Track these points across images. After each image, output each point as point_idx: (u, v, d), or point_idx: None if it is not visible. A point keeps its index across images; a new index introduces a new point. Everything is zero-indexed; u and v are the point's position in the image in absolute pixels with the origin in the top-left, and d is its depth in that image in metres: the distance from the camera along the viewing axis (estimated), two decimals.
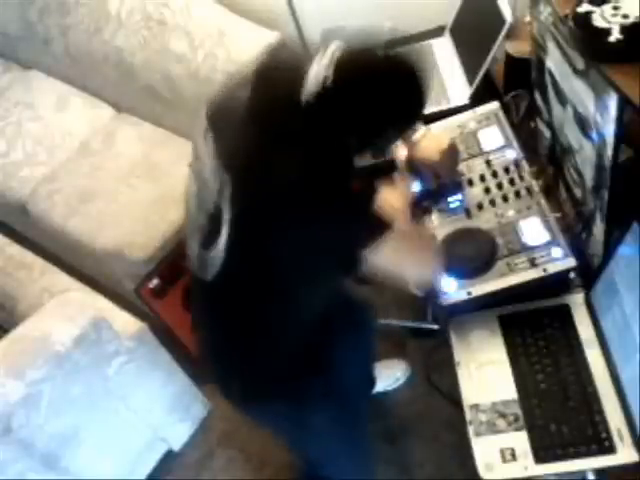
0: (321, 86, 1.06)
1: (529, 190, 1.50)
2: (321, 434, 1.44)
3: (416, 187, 1.59)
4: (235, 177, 1.09)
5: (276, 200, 1.08)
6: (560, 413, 1.27)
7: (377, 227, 1.17)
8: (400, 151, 1.55)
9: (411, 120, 1.27)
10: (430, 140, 1.50)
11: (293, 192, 1.08)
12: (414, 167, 1.53)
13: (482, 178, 1.55)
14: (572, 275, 1.41)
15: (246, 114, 1.13)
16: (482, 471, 1.25)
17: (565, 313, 1.40)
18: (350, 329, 1.49)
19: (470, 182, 1.56)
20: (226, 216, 1.11)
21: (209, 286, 1.22)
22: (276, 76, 1.15)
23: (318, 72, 1.06)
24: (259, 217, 1.10)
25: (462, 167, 1.58)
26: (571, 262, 1.37)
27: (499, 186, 1.52)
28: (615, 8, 1.10)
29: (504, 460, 1.25)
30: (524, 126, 1.71)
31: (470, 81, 1.87)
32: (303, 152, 1.08)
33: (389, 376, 2.11)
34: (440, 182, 1.53)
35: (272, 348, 1.30)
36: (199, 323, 1.42)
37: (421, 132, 1.48)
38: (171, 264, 2.04)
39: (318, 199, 1.09)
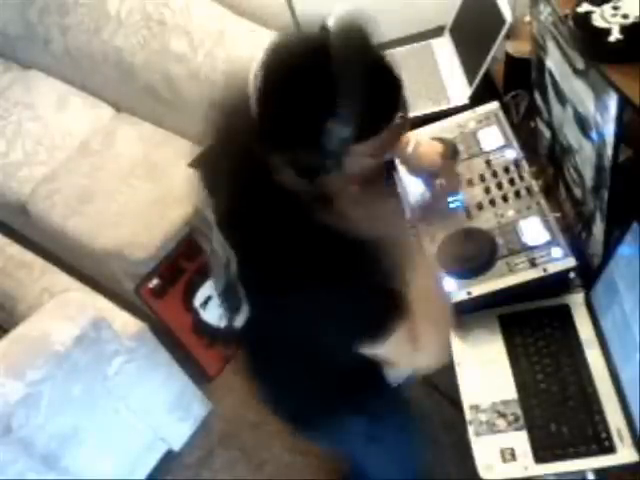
0: (256, 89, 0.94)
1: (529, 190, 1.50)
2: (388, 445, 1.42)
3: (418, 188, 1.59)
4: (236, 251, 1.04)
5: (275, 280, 1.02)
6: (560, 413, 1.27)
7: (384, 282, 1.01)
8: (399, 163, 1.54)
9: (361, 112, 0.95)
10: (425, 147, 1.50)
11: (289, 269, 0.99)
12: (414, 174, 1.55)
13: (482, 178, 1.55)
14: (572, 275, 1.41)
15: (221, 158, 1.07)
16: (482, 471, 1.25)
17: (565, 313, 1.40)
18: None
19: (470, 182, 1.56)
20: (239, 288, 1.07)
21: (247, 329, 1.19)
22: (234, 109, 1.04)
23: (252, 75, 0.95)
24: (262, 290, 1.05)
25: (462, 167, 1.58)
26: (571, 262, 1.37)
27: (499, 186, 1.52)
28: (615, 8, 1.10)
29: (504, 460, 1.25)
30: (524, 126, 1.71)
31: (470, 81, 1.87)
32: (280, 214, 0.99)
33: None
34: (442, 186, 1.54)
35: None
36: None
37: (412, 143, 1.47)
38: (171, 264, 2.04)
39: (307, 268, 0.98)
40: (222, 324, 2.23)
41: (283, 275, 1.00)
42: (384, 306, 1.03)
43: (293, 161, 0.97)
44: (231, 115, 1.07)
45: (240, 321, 1.14)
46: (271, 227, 1.01)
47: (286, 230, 1.00)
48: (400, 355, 1.15)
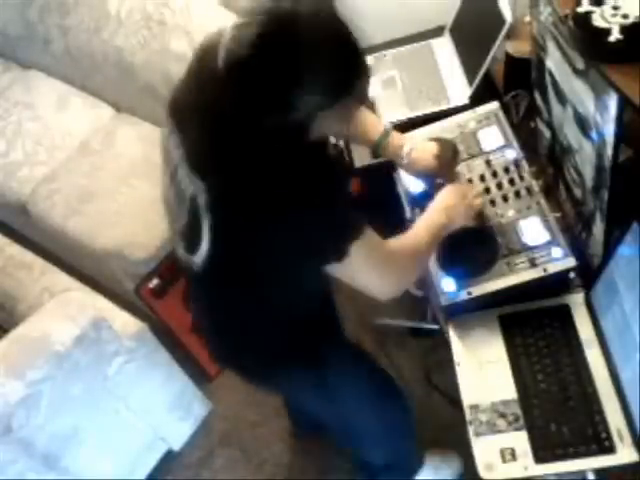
0: (227, 53, 1.00)
1: (529, 190, 1.50)
2: (344, 397, 1.44)
3: (417, 188, 1.59)
4: (206, 184, 1.07)
5: (247, 204, 1.06)
6: (560, 413, 1.27)
7: (351, 220, 1.13)
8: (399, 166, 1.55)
9: (345, 76, 1.05)
10: (420, 150, 1.51)
11: (261, 194, 1.05)
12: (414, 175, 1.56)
13: (482, 178, 1.55)
14: (572, 275, 1.41)
15: (192, 103, 1.11)
16: (482, 471, 1.25)
17: (565, 313, 1.40)
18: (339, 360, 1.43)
19: (470, 182, 1.56)
20: (205, 223, 1.09)
21: (201, 277, 1.21)
22: (207, 58, 1.09)
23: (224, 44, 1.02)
24: (235, 222, 1.09)
25: (462, 167, 1.58)
26: (571, 262, 1.37)
27: (499, 186, 1.52)
28: (615, 8, 1.10)
29: (504, 460, 1.25)
30: (524, 126, 1.71)
31: (470, 81, 1.87)
32: (256, 145, 1.04)
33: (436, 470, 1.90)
34: (441, 184, 1.54)
35: (269, 326, 1.31)
36: (198, 310, 1.44)
37: (407, 147, 1.49)
38: (171, 264, 2.04)
39: (283, 197, 1.05)
40: None
41: (262, 194, 1.05)
42: (349, 219, 1.12)
43: (262, 126, 1.02)
44: (203, 61, 1.11)
45: (198, 260, 1.15)
46: (250, 150, 1.04)
47: (265, 151, 1.04)
48: (361, 276, 1.19)
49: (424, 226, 1.32)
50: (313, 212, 1.08)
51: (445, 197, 1.40)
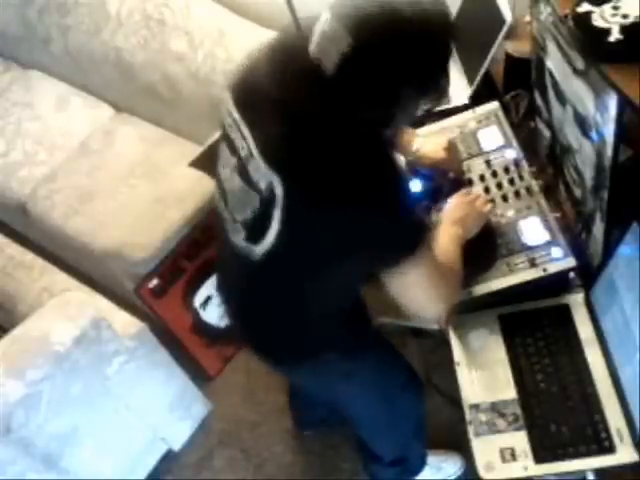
0: (340, 54, 0.99)
1: (529, 190, 1.50)
2: (365, 387, 1.45)
3: (416, 187, 1.59)
4: (283, 176, 1.07)
5: (325, 198, 1.06)
6: (560, 413, 1.27)
7: (418, 227, 1.14)
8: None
9: (441, 74, 1.10)
10: (430, 143, 1.55)
11: (340, 188, 1.06)
12: (416, 170, 1.57)
13: (482, 178, 1.55)
14: (572, 275, 1.41)
15: (271, 96, 1.09)
16: (482, 471, 1.25)
17: (565, 313, 1.40)
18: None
19: (470, 182, 1.56)
20: (277, 214, 1.09)
21: (253, 264, 1.20)
22: (293, 53, 1.10)
23: (322, 40, 1.02)
24: (309, 215, 1.09)
25: (462, 167, 1.59)
26: (571, 262, 1.37)
27: (499, 186, 1.52)
28: (615, 8, 1.10)
29: (504, 460, 1.25)
30: (524, 126, 1.71)
31: (470, 81, 1.87)
32: (341, 140, 1.05)
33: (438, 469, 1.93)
34: (450, 177, 1.55)
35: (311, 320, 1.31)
36: (234, 295, 1.42)
37: (417, 140, 1.53)
38: (171, 264, 2.04)
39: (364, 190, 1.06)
40: (222, 324, 2.25)
41: (341, 189, 1.05)
42: (417, 228, 1.14)
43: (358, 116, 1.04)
44: (288, 57, 1.12)
45: (260, 249, 1.15)
46: (336, 145, 1.05)
47: (350, 146, 1.06)
48: (415, 290, 1.19)
49: (447, 242, 1.31)
50: (389, 210, 1.09)
51: (454, 210, 1.40)
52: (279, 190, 1.08)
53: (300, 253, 1.15)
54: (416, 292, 1.19)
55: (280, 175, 1.07)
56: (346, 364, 1.37)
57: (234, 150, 1.16)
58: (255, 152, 1.11)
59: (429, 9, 1.01)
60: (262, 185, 1.11)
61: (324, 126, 1.05)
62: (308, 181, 1.07)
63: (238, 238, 1.21)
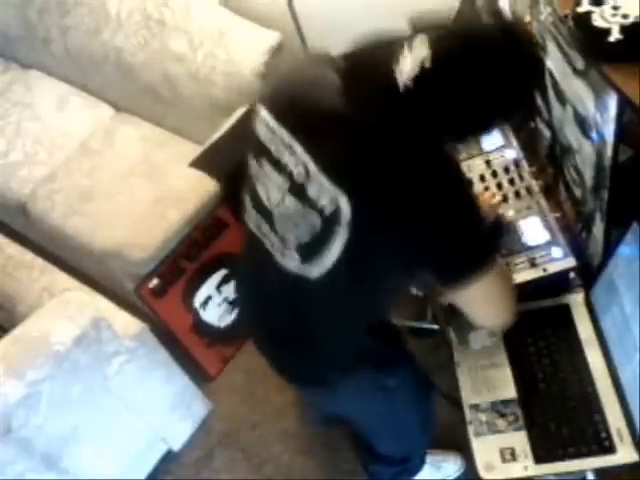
0: (419, 69, 0.97)
1: (529, 190, 1.50)
2: (397, 397, 1.42)
3: None
4: (351, 192, 1.03)
5: (396, 210, 1.04)
6: (560, 413, 1.27)
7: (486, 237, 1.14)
8: None
9: (524, 100, 1.11)
10: None
11: (411, 205, 1.03)
12: None
13: (482, 178, 1.55)
14: (572, 275, 1.41)
15: (337, 111, 1.05)
16: (482, 471, 1.25)
17: (565, 313, 1.40)
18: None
19: (470, 182, 1.55)
20: (339, 234, 1.06)
21: (302, 282, 1.16)
22: (368, 66, 1.07)
23: (413, 59, 0.99)
24: (377, 228, 1.06)
25: (462, 167, 1.58)
26: (571, 262, 1.37)
27: (499, 186, 1.52)
28: (615, 8, 1.10)
29: (504, 460, 1.25)
30: (524, 126, 1.71)
31: None
32: (412, 155, 1.02)
33: (438, 469, 1.93)
34: None
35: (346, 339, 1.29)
36: (269, 313, 1.34)
37: None
38: (171, 264, 2.04)
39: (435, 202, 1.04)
40: (222, 324, 2.25)
41: (412, 206, 1.03)
42: (488, 241, 1.15)
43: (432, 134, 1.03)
44: (365, 68, 1.08)
45: (317, 270, 1.12)
46: (407, 160, 1.03)
47: (421, 161, 1.04)
48: (484, 303, 1.18)
49: None
50: (461, 225, 1.07)
51: None
52: (345, 206, 1.03)
53: (362, 269, 1.11)
54: (484, 305, 1.19)
55: (347, 191, 1.03)
56: (381, 376, 1.35)
57: (281, 169, 1.11)
58: (314, 169, 1.06)
59: (517, 31, 1.02)
60: (324, 202, 1.06)
61: (394, 142, 1.02)
62: (377, 196, 1.04)
63: (292, 264, 1.16)
